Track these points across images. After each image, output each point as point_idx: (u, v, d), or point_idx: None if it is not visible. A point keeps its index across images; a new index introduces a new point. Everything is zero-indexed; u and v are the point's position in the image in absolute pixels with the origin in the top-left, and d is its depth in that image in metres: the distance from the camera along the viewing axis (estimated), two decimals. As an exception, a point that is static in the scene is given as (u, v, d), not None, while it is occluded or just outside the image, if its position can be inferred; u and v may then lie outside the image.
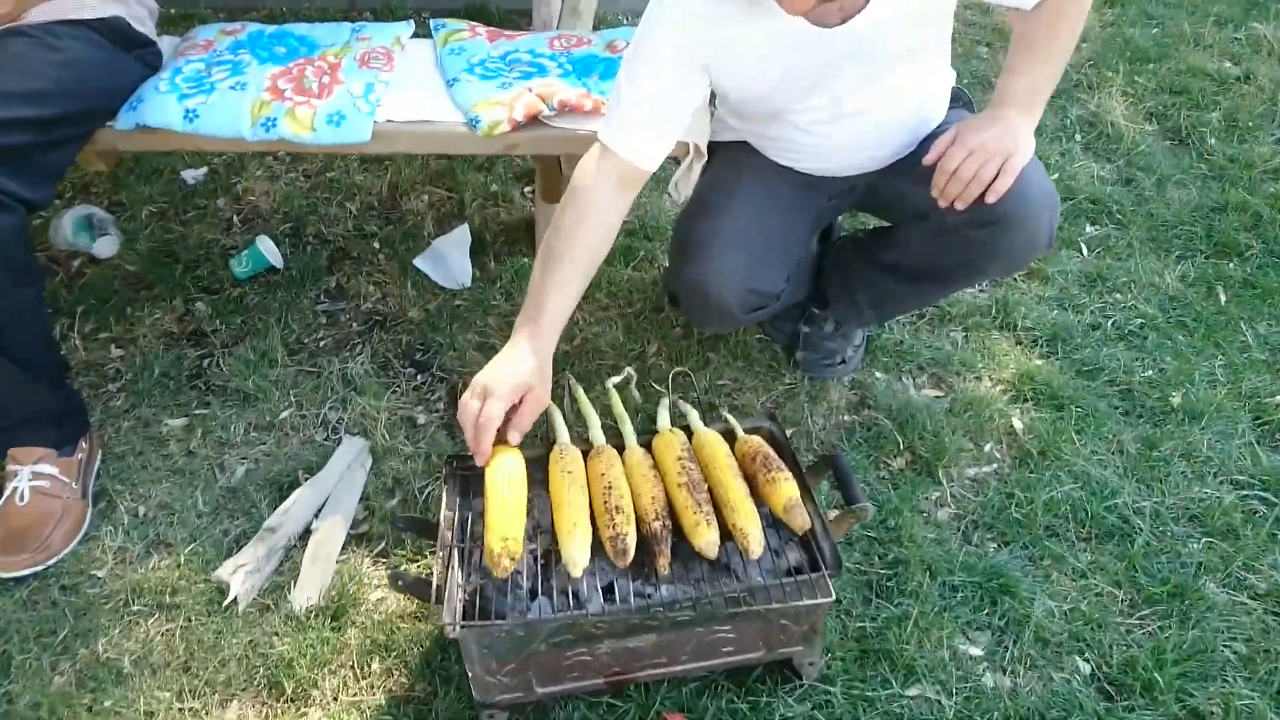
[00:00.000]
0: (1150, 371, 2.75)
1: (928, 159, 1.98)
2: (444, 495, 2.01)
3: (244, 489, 2.46)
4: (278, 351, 2.85)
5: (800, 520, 1.86)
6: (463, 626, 1.74)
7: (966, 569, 2.23)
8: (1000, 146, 1.87)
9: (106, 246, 3.20)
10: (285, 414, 2.68)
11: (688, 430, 2.13)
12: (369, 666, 2.08)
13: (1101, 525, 2.32)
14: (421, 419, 2.67)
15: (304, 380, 2.77)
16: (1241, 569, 2.23)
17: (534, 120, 2.48)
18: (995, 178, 1.86)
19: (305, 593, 2.20)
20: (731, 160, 2.30)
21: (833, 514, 1.95)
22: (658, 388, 2.67)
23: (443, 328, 2.94)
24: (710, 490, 1.96)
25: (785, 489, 1.91)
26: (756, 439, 2.07)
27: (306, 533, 2.36)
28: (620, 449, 2.08)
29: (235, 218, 3.40)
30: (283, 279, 3.12)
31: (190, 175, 3.57)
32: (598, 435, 2.11)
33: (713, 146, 2.44)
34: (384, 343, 2.91)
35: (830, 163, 2.28)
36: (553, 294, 1.94)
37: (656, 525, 1.86)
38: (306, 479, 2.48)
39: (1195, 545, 2.29)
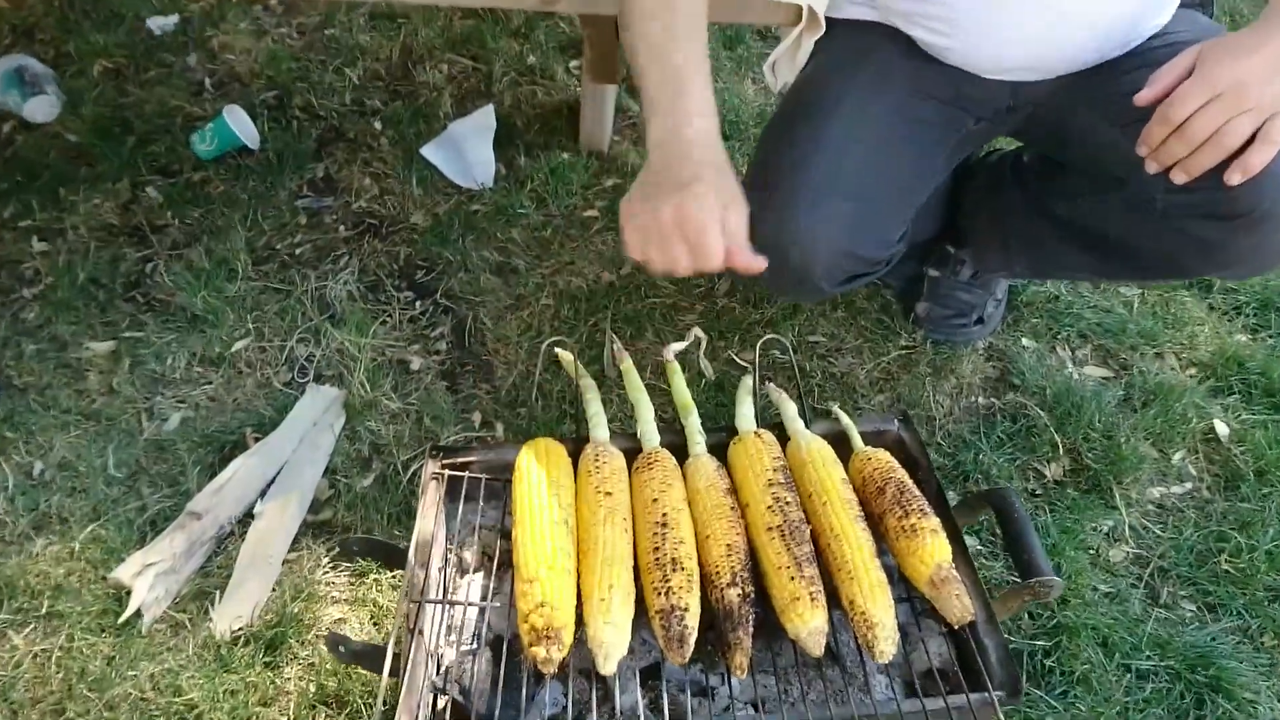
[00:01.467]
0: (1405, 361, 2.02)
1: (1144, 95, 1.23)
2: (420, 509, 1.37)
3: (174, 447, 1.85)
4: (240, 259, 2.21)
5: (959, 607, 1.20)
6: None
7: (1158, 646, 1.57)
8: (1263, 95, 1.18)
9: (41, 109, 2.55)
10: (240, 345, 2.05)
11: (779, 430, 1.46)
12: (312, 727, 1.49)
13: (1350, 590, 1.64)
14: (416, 363, 2.03)
15: (269, 301, 2.13)
16: None
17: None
18: (1247, 143, 1.19)
19: (234, 609, 1.61)
20: (851, 52, 1.58)
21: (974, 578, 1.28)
22: (736, 359, 1.99)
23: (453, 240, 2.27)
24: (815, 537, 1.30)
25: (933, 548, 1.25)
26: (884, 456, 1.40)
27: (247, 518, 1.74)
28: (681, 455, 1.42)
29: (207, 81, 2.72)
30: (256, 163, 2.45)
31: (157, 24, 2.87)
32: (649, 433, 1.45)
33: (831, 25, 1.68)
34: (377, 256, 2.25)
35: (995, 48, 1.52)
36: (689, 55, 1.27)
37: (734, 596, 1.22)
38: (256, 440, 1.86)
39: None
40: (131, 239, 2.28)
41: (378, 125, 2.58)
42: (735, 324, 2.09)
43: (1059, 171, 1.72)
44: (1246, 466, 1.83)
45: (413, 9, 2.89)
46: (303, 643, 1.59)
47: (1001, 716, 1.15)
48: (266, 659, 1.56)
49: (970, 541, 1.69)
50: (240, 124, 2.43)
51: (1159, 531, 1.76)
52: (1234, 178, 1.23)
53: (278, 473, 1.82)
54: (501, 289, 2.18)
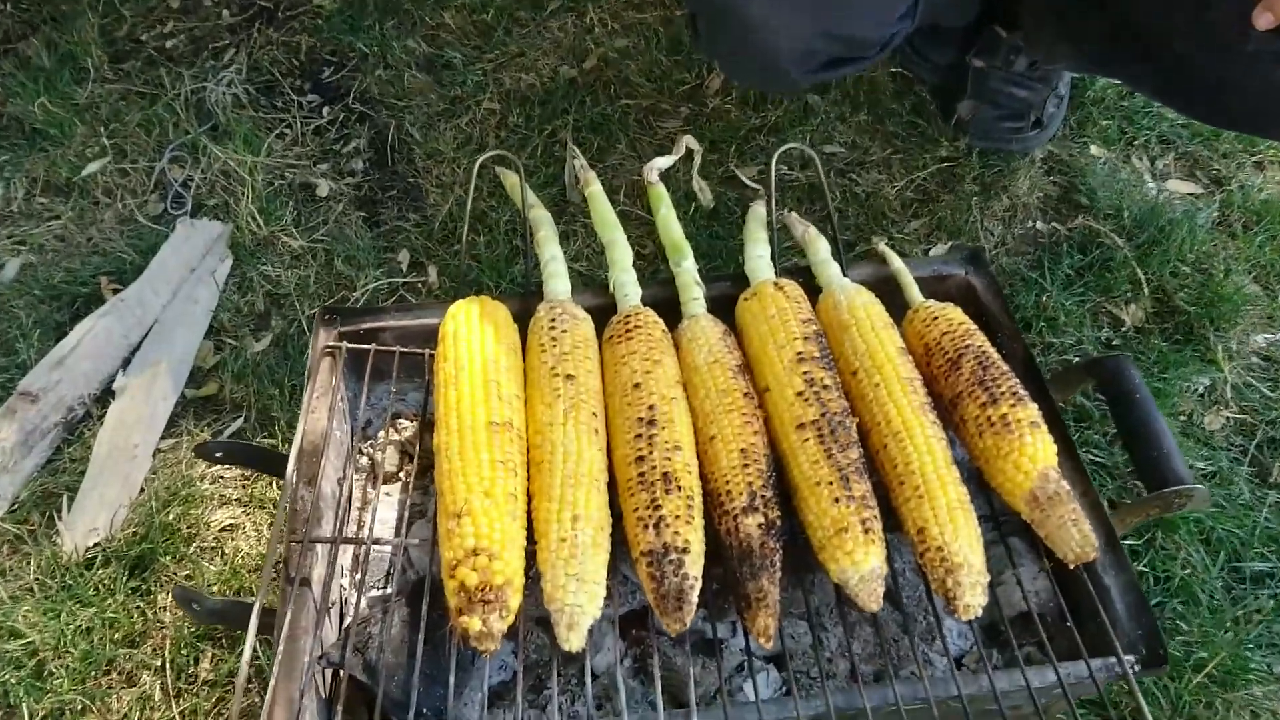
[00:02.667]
0: None
1: None
2: (307, 399, 0.98)
3: (8, 305, 1.43)
4: (92, 54, 1.72)
5: (1076, 537, 0.84)
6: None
7: (1272, 541, 1.24)
8: None
9: None
10: (95, 167, 1.61)
11: (805, 280, 1.06)
12: (192, 668, 1.15)
13: None
14: (324, 188, 1.59)
15: (131, 109, 1.68)
16: None
17: None
18: None
19: (88, 519, 1.24)
20: None
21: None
22: (743, 177, 1.56)
23: (368, 27, 1.80)
24: (863, 436, 0.92)
25: (1034, 449, 0.87)
26: (955, 315, 1.00)
27: (106, 396, 1.34)
28: (672, 316, 1.02)
29: None
30: (110, -74, 1.89)
31: None
32: (627, 285, 1.04)
33: None
34: (271, 49, 1.78)
35: None
36: None
37: (753, 527, 0.84)
38: (115, 292, 1.43)
39: None
40: (-53, 29, 1.77)
41: (268, -123, 2.00)
42: (730, 131, 1.65)
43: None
44: (1375, 306, 1.46)
45: None
46: (181, 560, 1.22)
47: (1140, 695, 0.80)
48: (132, 584, 1.20)
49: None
50: (84, -127, 1.85)
51: (1267, 391, 1.40)
52: None
53: (144, 336, 1.40)
54: (432, 90, 1.71)
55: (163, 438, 1.34)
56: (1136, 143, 1.68)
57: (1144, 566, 1.22)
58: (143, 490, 1.28)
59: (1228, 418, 1.38)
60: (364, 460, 1.07)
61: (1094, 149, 1.66)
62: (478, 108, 1.69)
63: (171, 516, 1.25)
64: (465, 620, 0.78)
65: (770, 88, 1.65)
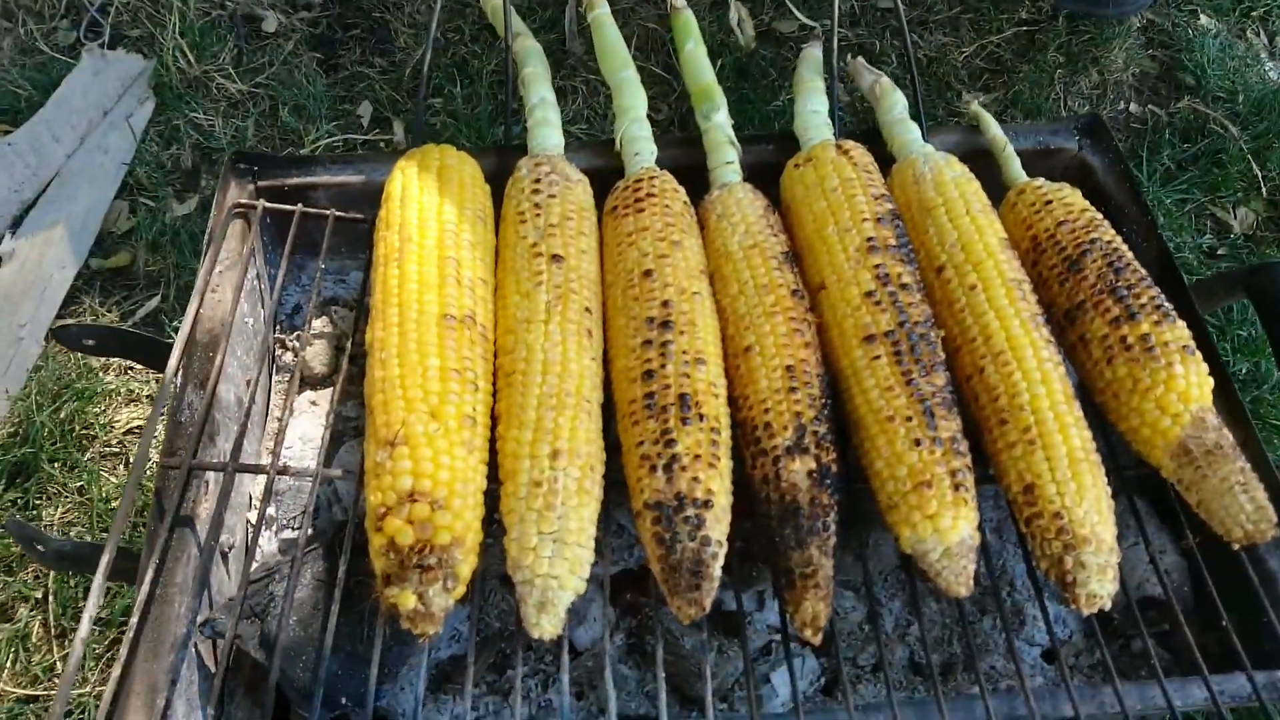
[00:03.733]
0: None
1: None
2: (203, 271, 0.73)
3: (-125, 145, 1.16)
4: None
5: (1246, 508, 0.61)
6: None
7: None
8: None
9: None
10: (-10, -16, 1.30)
11: (873, 145, 0.81)
12: (81, 600, 0.92)
13: None
14: (273, 22, 1.33)
15: (39, -88, 1.36)
16: None
17: None
18: None
19: (-40, 413, 1.00)
20: None
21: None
22: (796, 11, 1.30)
23: None
24: (952, 355, 0.68)
25: (1186, 382, 0.64)
26: (1074, 199, 0.75)
27: (-12, 264, 1.10)
28: (697, 186, 0.77)
29: None
30: None
31: None
32: (638, 141, 0.78)
33: None
34: None
35: None
36: None
37: (800, 474, 0.61)
38: (4, 135, 1.17)
39: None
40: None
41: None
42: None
43: None
44: None
45: None
46: (74, 468, 0.99)
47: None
48: (11, 496, 0.97)
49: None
50: None
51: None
52: None
53: (41, 192, 1.14)
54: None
55: (58, 316, 1.09)
56: (1254, 14, 1.40)
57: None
58: (29, 382, 1.04)
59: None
60: (287, 357, 0.83)
61: (1203, 19, 1.39)
62: (464, -68, 1.40)
63: (64, 414, 1.02)
64: (395, 593, 0.55)
65: None
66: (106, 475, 1.00)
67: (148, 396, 1.06)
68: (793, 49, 1.21)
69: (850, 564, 0.72)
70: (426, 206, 0.69)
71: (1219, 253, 1.20)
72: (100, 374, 1.06)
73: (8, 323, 1.05)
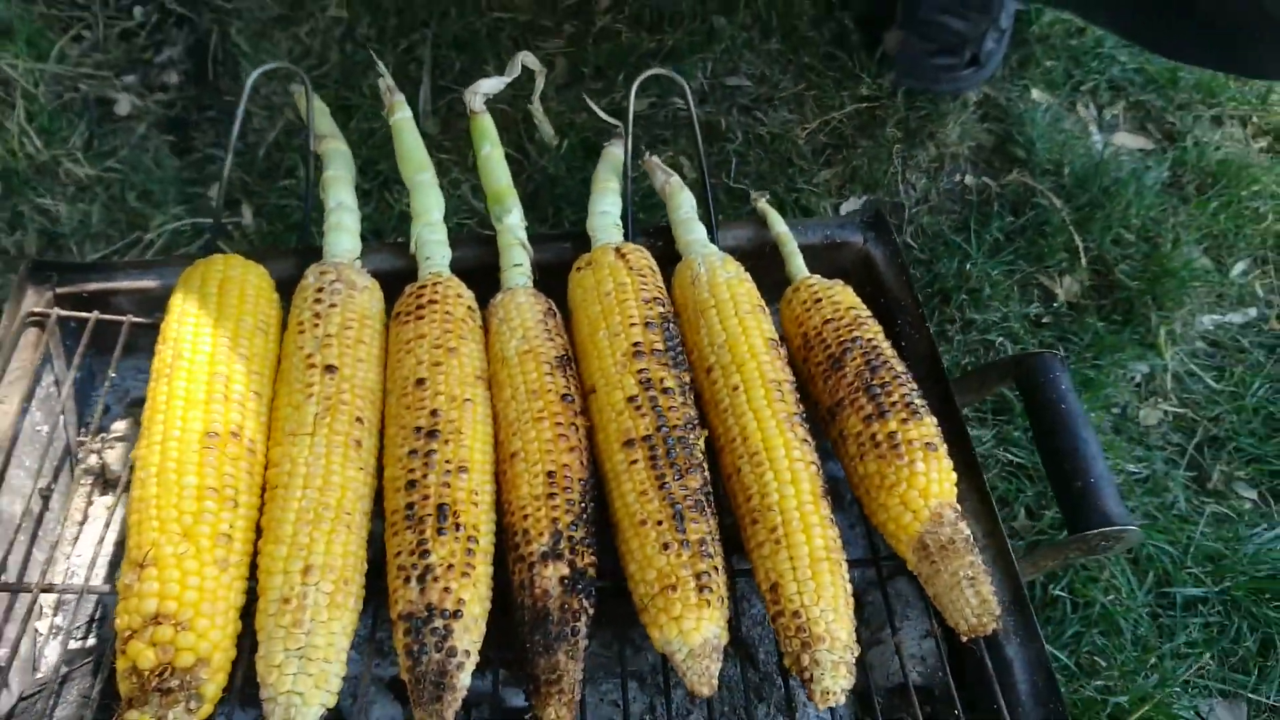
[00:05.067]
0: None
1: None
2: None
3: None
4: None
5: (972, 601, 0.64)
6: None
7: (1208, 562, 1.07)
8: None
9: None
10: None
11: (662, 245, 0.84)
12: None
13: None
14: (126, 105, 1.34)
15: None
16: None
17: None
18: None
19: None
20: None
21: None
22: (603, 114, 1.34)
23: None
24: (716, 454, 0.71)
25: (927, 479, 0.68)
26: (843, 297, 0.79)
27: None
28: (486, 292, 0.80)
29: None
30: None
31: None
32: (430, 245, 0.81)
33: None
34: None
35: None
36: None
37: (553, 580, 0.64)
38: None
39: None
40: None
41: None
42: (620, 55, 1.41)
43: None
44: (1334, 286, 1.29)
45: None
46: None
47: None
48: None
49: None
50: None
51: (1211, 382, 1.22)
52: None
53: (-124, 280, 1.13)
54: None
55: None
56: (1084, 88, 1.48)
57: (1061, 590, 1.05)
58: None
59: (1166, 412, 1.21)
60: (91, 459, 0.84)
61: (1035, 93, 1.46)
62: (321, 14, 1.43)
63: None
64: (134, 717, 0.56)
65: None
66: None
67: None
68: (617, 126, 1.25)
69: (632, 655, 0.74)
70: (201, 321, 0.70)
71: (1044, 321, 1.26)
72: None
73: None
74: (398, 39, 1.40)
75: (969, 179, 1.38)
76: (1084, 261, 1.29)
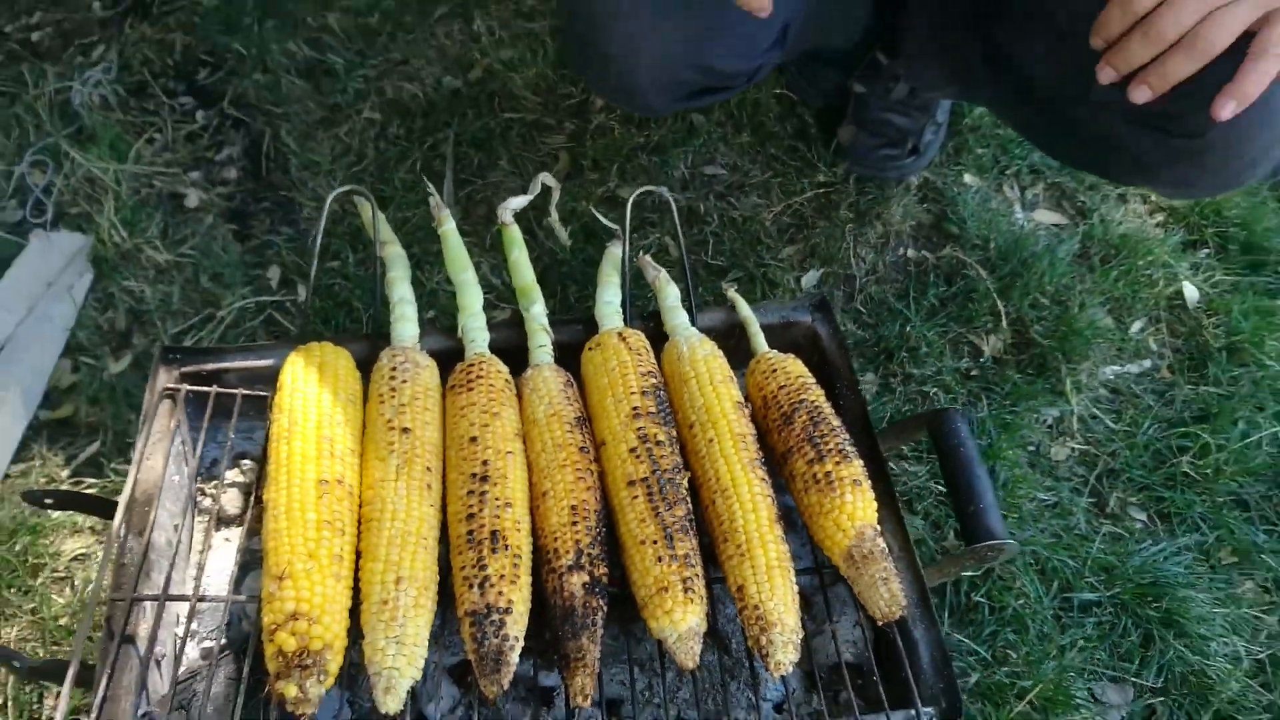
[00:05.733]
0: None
1: None
2: (140, 444, 0.96)
3: None
4: (-51, 47, 1.63)
5: (885, 597, 0.87)
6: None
7: (1104, 571, 1.31)
8: None
9: None
10: (-52, 171, 1.53)
11: (654, 325, 1.08)
12: (37, 705, 1.13)
13: (1324, 496, 1.39)
14: (194, 199, 1.56)
15: (-11, 107, 1.59)
16: None
17: None
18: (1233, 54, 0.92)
19: (-71, 549, 1.20)
20: None
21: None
22: (603, 218, 1.57)
23: (248, 26, 1.75)
24: (696, 488, 0.95)
25: (853, 508, 0.91)
26: (793, 369, 1.03)
27: (-50, 420, 1.30)
28: (522, 361, 1.03)
29: None
30: (-27, -92, 1.80)
31: None
32: (474, 331, 1.05)
33: None
34: (143, 46, 1.73)
35: None
36: None
37: (577, 585, 0.86)
38: (-34, 307, 1.39)
39: None
40: None
41: None
42: (614, 149, 1.65)
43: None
44: (1216, 341, 1.53)
45: None
46: (27, 593, 1.20)
47: (935, 748, 0.85)
48: (-26, 617, 1.17)
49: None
50: None
51: (1110, 423, 1.46)
52: (1224, 109, 0.90)
53: (-5, 354, 1.36)
54: (311, 97, 1.68)
55: (13, 462, 1.31)
56: (1009, 171, 1.73)
57: (981, 597, 1.28)
58: (-12, 520, 1.25)
59: (1073, 449, 1.45)
60: (207, 502, 1.06)
61: (968, 177, 1.71)
62: (358, 117, 1.67)
63: (19, 547, 1.23)
64: (281, 685, 0.78)
65: (639, 112, 1.66)
66: (55, 597, 1.21)
67: (89, 527, 1.28)
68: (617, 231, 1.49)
69: (634, 646, 0.97)
70: (309, 396, 0.93)
71: (972, 374, 1.50)
72: (49, 523, 1.27)
73: (-30, 471, 1.26)
74: (424, 138, 1.65)
75: (910, 253, 1.63)
76: (1005, 323, 1.54)
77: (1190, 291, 1.59)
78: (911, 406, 1.43)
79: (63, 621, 1.18)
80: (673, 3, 1.16)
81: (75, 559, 1.24)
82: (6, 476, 1.29)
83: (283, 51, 1.72)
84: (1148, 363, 1.54)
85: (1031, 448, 1.44)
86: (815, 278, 1.56)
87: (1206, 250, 1.64)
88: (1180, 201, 1.66)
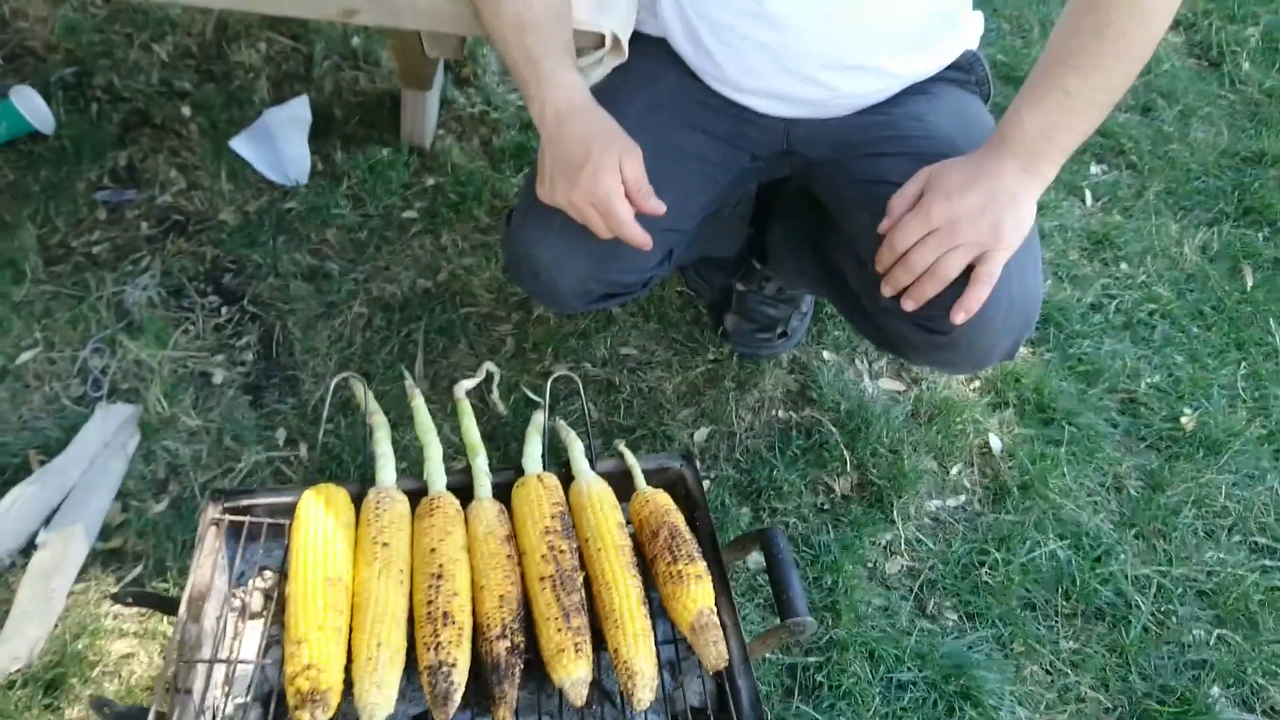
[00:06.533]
0: (1158, 376, 2.21)
1: (883, 225, 1.36)
2: (196, 558, 1.36)
3: (-50, 474, 1.76)
4: (29, 259, 2.09)
5: (714, 654, 1.27)
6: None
7: (919, 657, 1.70)
8: (976, 231, 1.29)
9: None
10: (27, 356, 1.95)
11: (565, 470, 1.51)
12: (93, 770, 1.46)
13: (1092, 599, 1.81)
14: (219, 376, 1.98)
15: (60, 307, 2.03)
16: (1258, 673, 1.75)
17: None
18: (963, 279, 1.34)
19: (12, 650, 1.56)
20: (633, 75, 1.59)
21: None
22: (531, 394, 2.01)
23: (263, 242, 2.20)
24: (589, 583, 1.35)
25: (695, 594, 1.32)
26: (661, 500, 1.45)
27: (29, 550, 1.68)
28: (471, 497, 1.45)
29: (-5, 53, 2.52)
30: (50, 150, 2.30)
31: (-63, -17, 2.64)
32: (435, 475, 1.46)
33: (633, 39, 1.67)
34: (181, 257, 2.16)
35: (778, 67, 1.52)
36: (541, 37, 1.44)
37: (501, 649, 1.26)
38: (41, 463, 1.79)
39: (1202, 632, 1.81)
40: (-95, 234, 2.13)
41: (187, 110, 2.46)
42: (549, 336, 2.11)
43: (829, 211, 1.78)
44: (1013, 480, 1.98)
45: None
46: (86, 681, 1.56)
47: (746, 760, 1.24)
48: (45, 701, 1.53)
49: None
50: (30, 106, 2.27)
51: (931, 544, 1.89)
52: (958, 317, 1.33)
53: (63, 499, 1.76)
54: (312, 295, 2.14)
55: (76, 582, 1.68)
56: (859, 349, 2.21)
57: (822, 678, 1.67)
58: (57, 625, 1.62)
59: (902, 564, 1.87)
60: (237, 601, 1.45)
61: (826, 354, 2.18)
62: (349, 311, 2.13)
63: (81, 646, 1.59)
64: (299, 714, 1.17)
65: (562, 311, 2.13)
66: (107, 684, 1.56)
67: (133, 633, 1.64)
68: (540, 403, 1.92)
69: (545, 700, 1.35)
70: (318, 521, 1.34)
71: (825, 508, 1.93)
72: (102, 619, 1.64)
73: (46, 589, 1.63)
74: (401, 327, 2.10)
75: (779, 413, 2.08)
76: (850, 467, 1.98)
77: (995, 442, 2.05)
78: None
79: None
80: (579, 237, 1.60)
81: (122, 657, 1.60)
82: (71, 593, 1.66)
83: (290, 260, 2.19)
84: (962, 497, 1.98)
85: (870, 564, 1.86)
86: (705, 434, 2.01)
87: (1009, 409, 2.12)
88: (984, 373, 2.15)
